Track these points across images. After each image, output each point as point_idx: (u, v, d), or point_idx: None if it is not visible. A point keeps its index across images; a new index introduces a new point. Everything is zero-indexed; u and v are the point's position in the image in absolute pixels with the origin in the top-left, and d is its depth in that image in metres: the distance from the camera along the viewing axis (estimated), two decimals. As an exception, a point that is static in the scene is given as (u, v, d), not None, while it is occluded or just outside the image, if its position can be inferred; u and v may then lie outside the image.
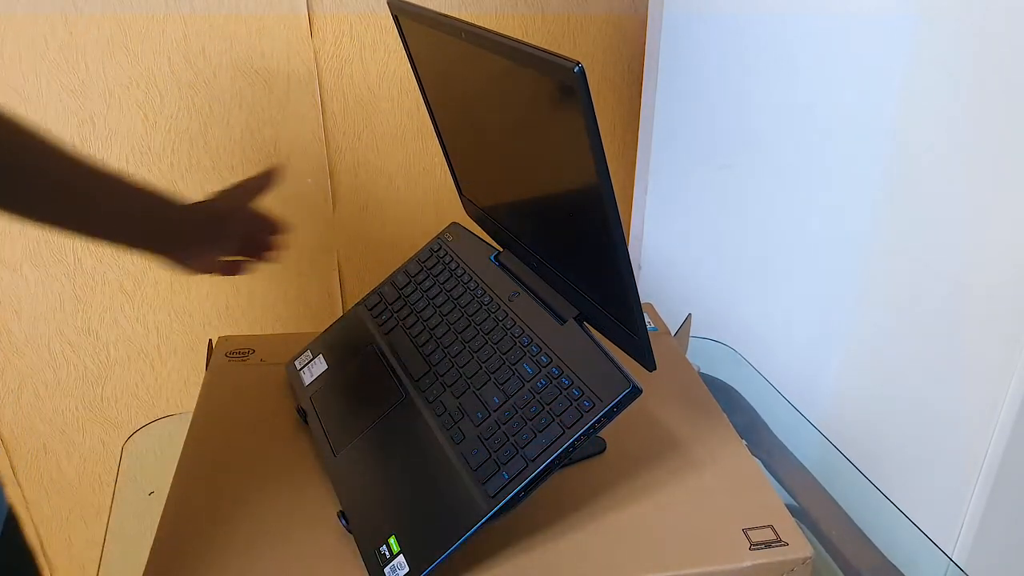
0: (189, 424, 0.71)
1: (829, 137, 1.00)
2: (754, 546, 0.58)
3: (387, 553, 0.56)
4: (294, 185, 1.09)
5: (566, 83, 0.47)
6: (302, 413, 0.72)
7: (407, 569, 0.54)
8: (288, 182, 1.08)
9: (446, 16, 0.60)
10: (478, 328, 0.68)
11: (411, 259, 0.80)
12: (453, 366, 0.66)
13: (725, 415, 0.72)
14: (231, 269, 0.67)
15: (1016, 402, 0.82)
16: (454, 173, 0.80)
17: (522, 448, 0.56)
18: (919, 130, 0.93)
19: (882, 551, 0.76)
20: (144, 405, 1.18)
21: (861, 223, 1.02)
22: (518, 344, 0.64)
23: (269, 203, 0.65)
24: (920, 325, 0.95)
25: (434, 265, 0.78)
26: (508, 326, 0.66)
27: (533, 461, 0.55)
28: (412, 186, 1.14)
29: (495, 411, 0.60)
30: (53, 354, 1.12)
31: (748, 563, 0.57)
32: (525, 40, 0.51)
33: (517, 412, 0.59)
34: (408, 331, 0.72)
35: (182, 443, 0.69)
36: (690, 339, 0.94)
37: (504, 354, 0.64)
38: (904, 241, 0.97)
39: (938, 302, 0.91)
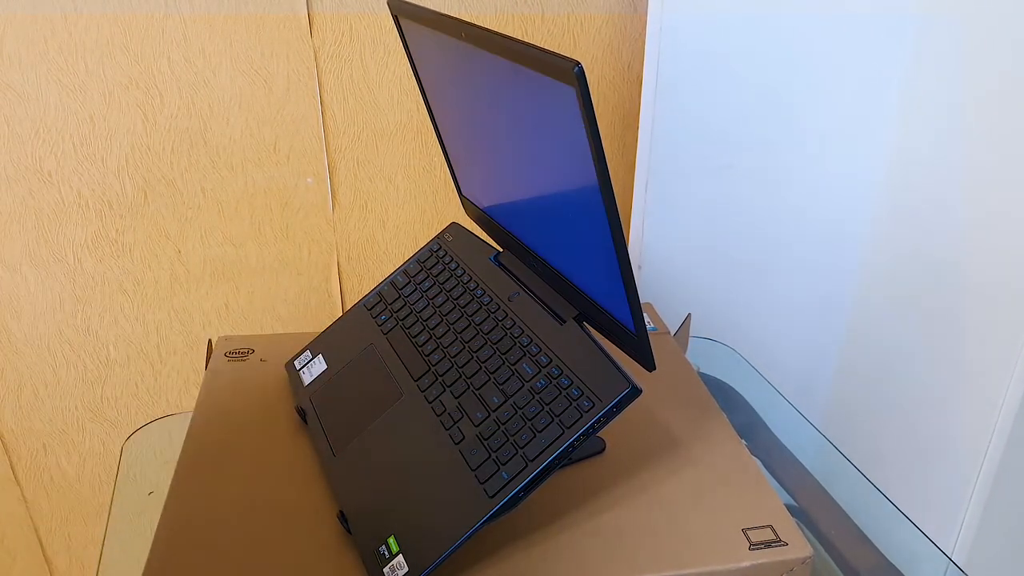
0: (189, 424, 0.71)
1: (829, 137, 1.00)
2: (754, 546, 0.58)
3: (386, 553, 0.56)
4: (294, 185, 1.09)
5: (566, 83, 0.47)
6: (302, 413, 0.72)
7: (406, 569, 0.54)
8: (288, 182, 1.08)
9: (446, 16, 0.60)
10: (478, 328, 0.68)
11: (411, 259, 0.80)
12: (453, 366, 0.66)
13: (724, 415, 0.72)
14: None
15: (1016, 402, 0.82)
16: (454, 173, 0.80)
17: (522, 448, 0.56)
18: (918, 130, 0.93)
19: (882, 551, 0.76)
20: (144, 405, 1.18)
21: (861, 223, 1.02)
22: (518, 344, 0.64)
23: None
24: (920, 325, 0.95)
25: (434, 265, 0.78)
26: (508, 326, 0.66)
27: (533, 461, 0.55)
28: (412, 186, 1.14)
29: (495, 411, 0.60)
30: (53, 354, 1.12)
31: (747, 563, 0.57)
32: (525, 40, 0.51)
33: (517, 412, 0.59)
34: (408, 331, 0.72)
35: (182, 443, 0.69)
36: (690, 339, 0.94)
37: (504, 354, 0.64)
38: (903, 241, 0.97)
39: (938, 302, 0.91)
